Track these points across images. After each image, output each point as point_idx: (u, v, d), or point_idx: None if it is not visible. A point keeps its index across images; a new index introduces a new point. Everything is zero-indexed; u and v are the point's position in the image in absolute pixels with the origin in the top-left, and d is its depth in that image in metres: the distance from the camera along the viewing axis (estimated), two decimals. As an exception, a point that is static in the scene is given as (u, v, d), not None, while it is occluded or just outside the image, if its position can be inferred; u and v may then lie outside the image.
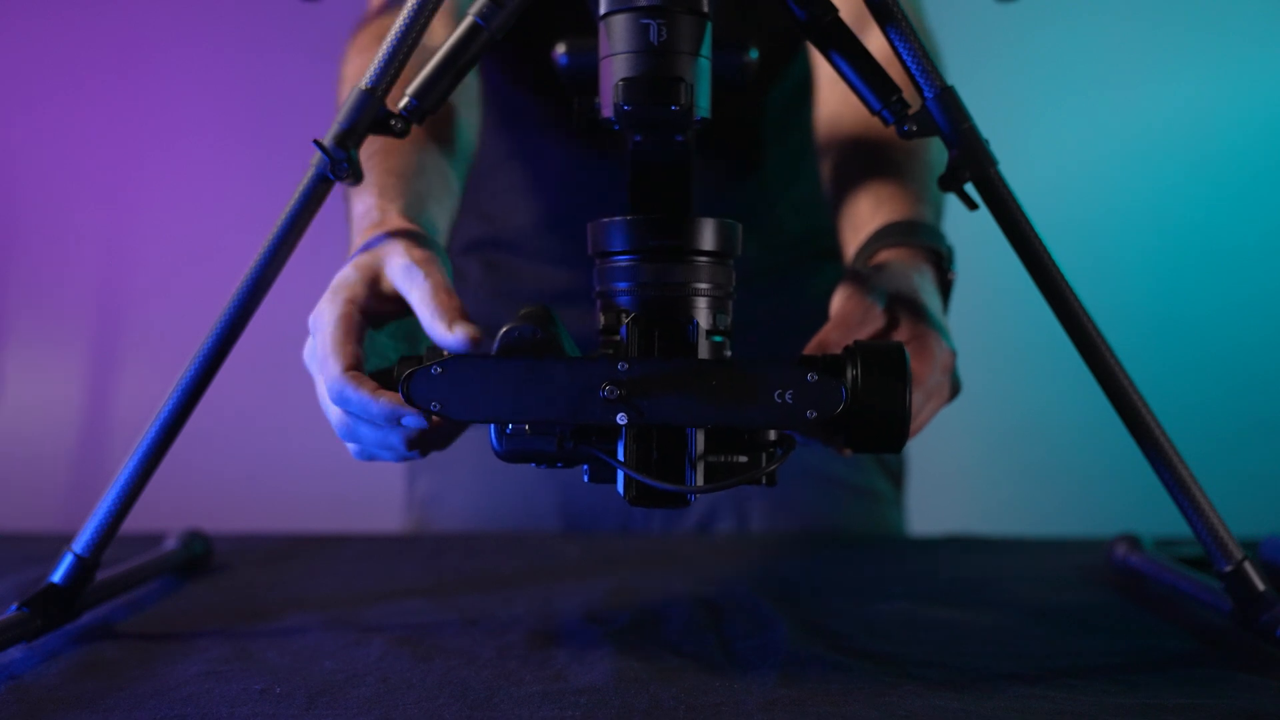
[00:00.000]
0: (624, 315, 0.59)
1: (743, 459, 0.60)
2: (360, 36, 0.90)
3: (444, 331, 0.61)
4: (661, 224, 0.59)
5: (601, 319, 0.60)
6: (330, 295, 0.65)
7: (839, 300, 0.72)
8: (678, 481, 0.58)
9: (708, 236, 0.59)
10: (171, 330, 1.83)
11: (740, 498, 1.06)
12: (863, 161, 0.86)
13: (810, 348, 0.68)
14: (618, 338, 0.59)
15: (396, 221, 0.70)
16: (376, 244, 0.67)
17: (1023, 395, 1.95)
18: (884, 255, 0.77)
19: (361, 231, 0.71)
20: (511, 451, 0.59)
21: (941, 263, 0.77)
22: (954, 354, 0.72)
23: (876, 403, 0.60)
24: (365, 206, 0.73)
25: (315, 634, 0.69)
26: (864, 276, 0.74)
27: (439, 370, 0.57)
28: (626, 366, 0.56)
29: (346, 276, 0.66)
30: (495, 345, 0.58)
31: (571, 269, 1.03)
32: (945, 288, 0.77)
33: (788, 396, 0.56)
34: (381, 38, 0.64)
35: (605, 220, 0.60)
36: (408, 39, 0.63)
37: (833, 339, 0.69)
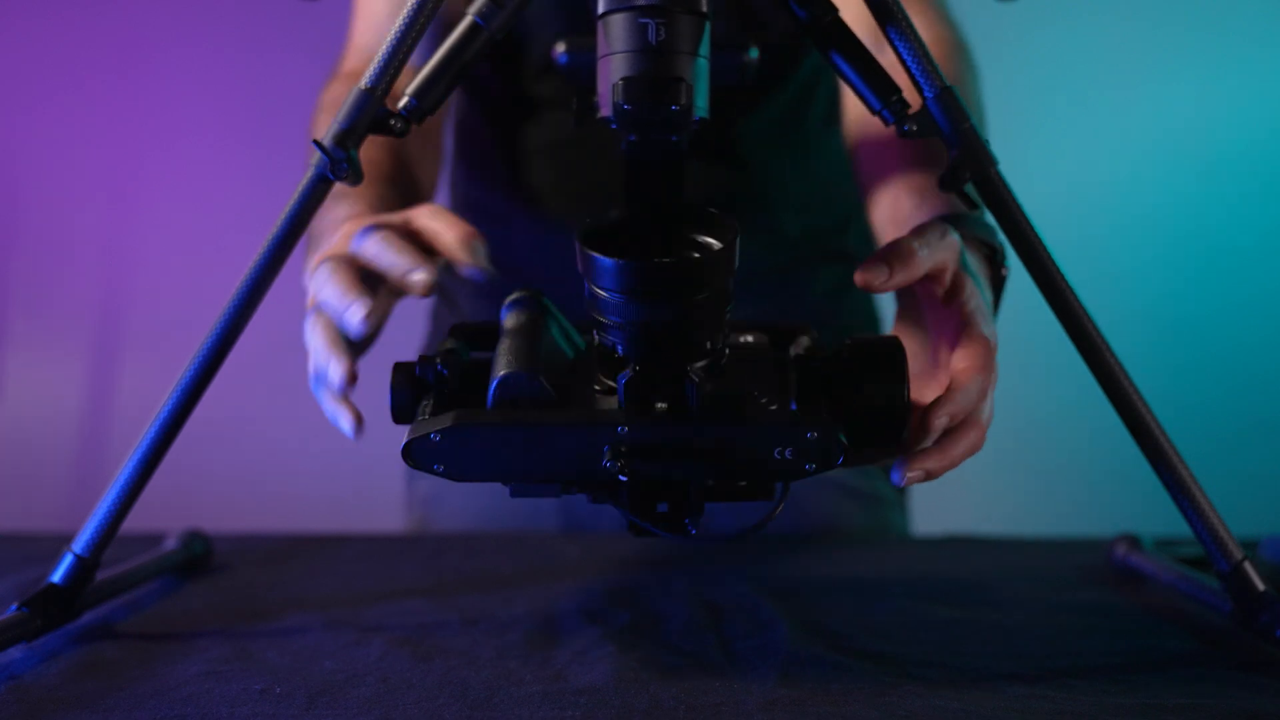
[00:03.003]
0: (616, 358, 0.58)
1: (743, 483, 0.61)
2: (330, 90, 0.93)
3: (465, 262, 0.65)
4: (653, 268, 0.55)
5: (595, 337, 0.59)
6: (333, 248, 0.66)
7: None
8: (679, 521, 0.59)
9: (703, 271, 0.56)
10: (171, 330, 1.83)
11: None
12: (900, 154, 0.84)
13: (902, 253, 0.61)
14: (612, 386, 0.58)
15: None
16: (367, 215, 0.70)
17: (1023, 396, 1.95)
18: None
19: (338, 224, 0.73)
20: (518, 492, 0.61)
21: (995, 257, 0.72)
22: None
23: (873, 402, 0.60)
24: (338, 215, 0.75)
25: (315, 634, 0.69)
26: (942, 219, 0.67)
27: (438, 438, 0.57)
28: (626, 430, 0.56)
29: (338, 245, 0.68)
30: (490, 394, 0.58)
31: (572, 268, 1.03)
32: (997, 285, 0.72)
33: (787, 453, 0.57)
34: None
35: (592, 253, 0.56)
36: (407, 39, 0.63)
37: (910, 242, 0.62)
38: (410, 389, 0.61)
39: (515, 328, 0.61)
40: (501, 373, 0.57)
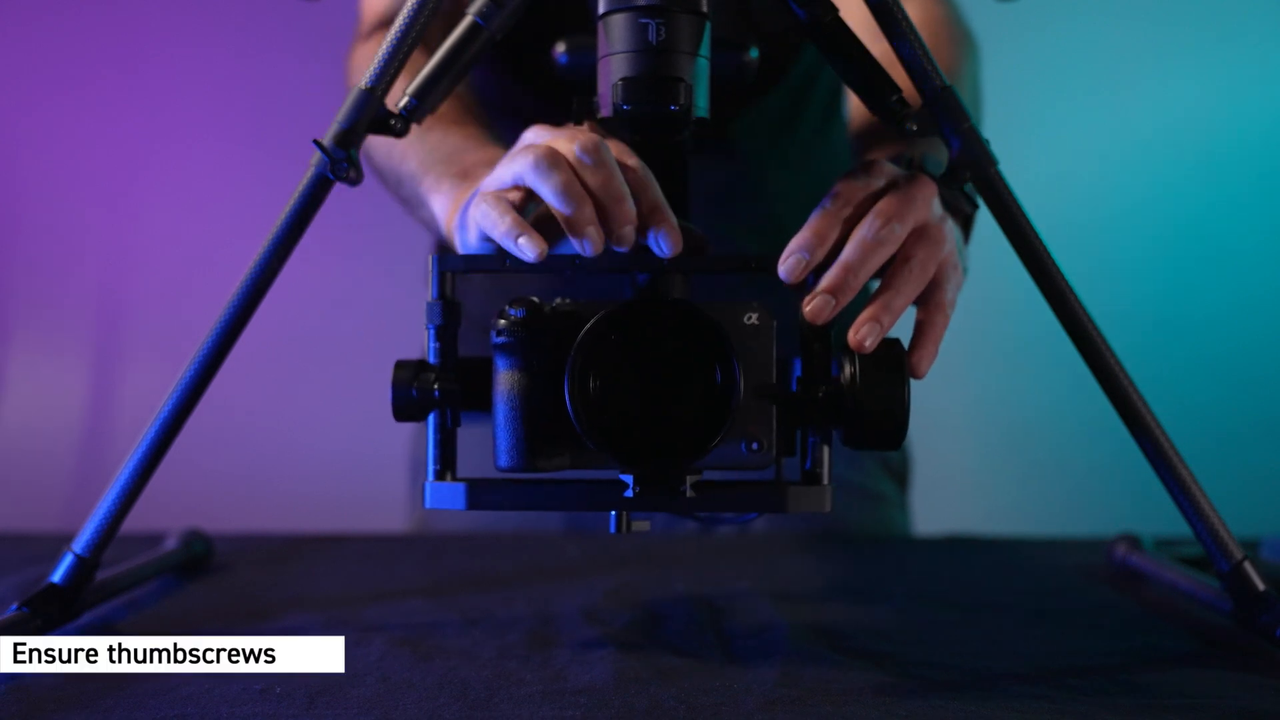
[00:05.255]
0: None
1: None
2: (358, 52, 0.94)
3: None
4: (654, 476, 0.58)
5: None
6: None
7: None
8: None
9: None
10: (172, 330, 1.83)
11: None
12: (881, 135, 0.84)
13: (806, 230, 0.64)
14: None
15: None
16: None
17: (1023, 395, 1.95)
18: None
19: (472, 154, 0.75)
20: None
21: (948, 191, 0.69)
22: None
23: (875, 400, 0.60)
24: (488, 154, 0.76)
25: (315, 634, 0.69)
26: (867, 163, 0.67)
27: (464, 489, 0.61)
28: (630, 496, 0.59)
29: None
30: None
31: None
32: (964, 222, 0.71)
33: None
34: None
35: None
36: (407, 39, 0.63)
37: (831, 208, 0.64)
38: (411, 388, 0.61)
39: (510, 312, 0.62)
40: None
